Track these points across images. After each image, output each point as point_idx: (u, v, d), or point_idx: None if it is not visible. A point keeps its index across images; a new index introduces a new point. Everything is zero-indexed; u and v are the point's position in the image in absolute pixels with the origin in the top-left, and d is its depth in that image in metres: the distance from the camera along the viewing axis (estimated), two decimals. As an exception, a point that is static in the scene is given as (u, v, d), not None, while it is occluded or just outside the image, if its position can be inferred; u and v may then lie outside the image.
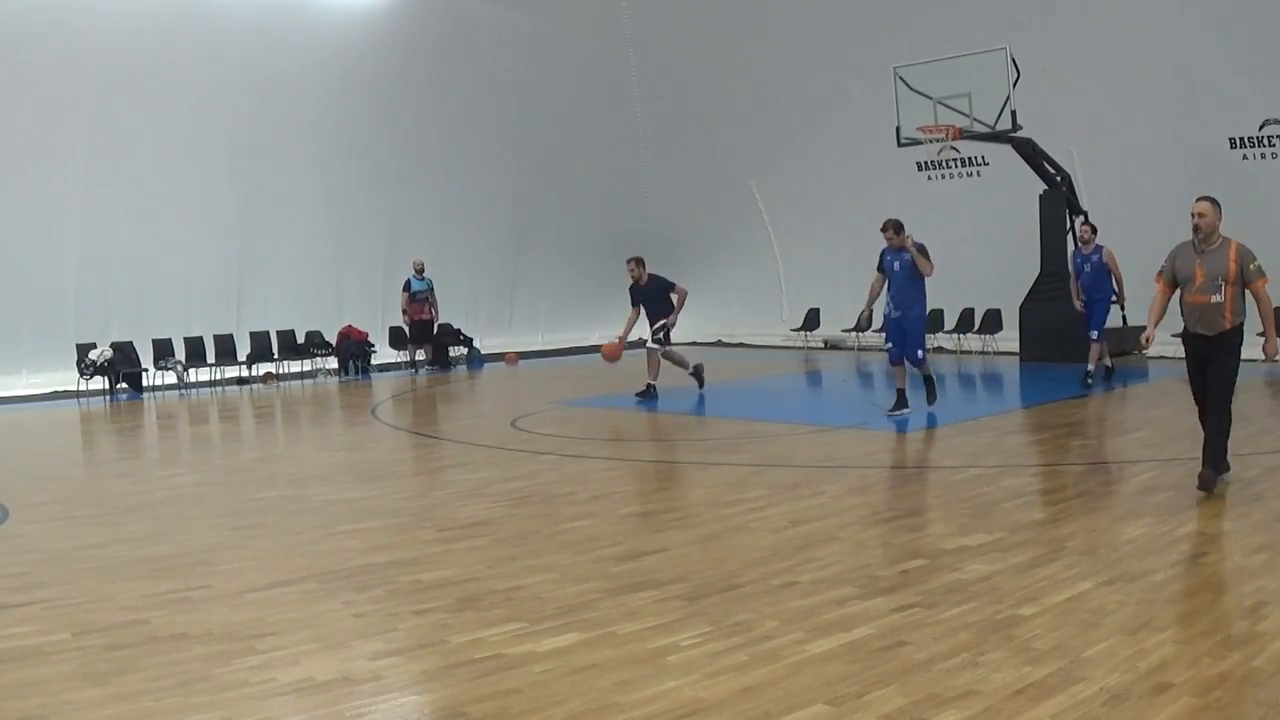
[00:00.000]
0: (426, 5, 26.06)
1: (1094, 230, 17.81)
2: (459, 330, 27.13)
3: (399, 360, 26.15)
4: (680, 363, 17.90)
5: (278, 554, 8.52)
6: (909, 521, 8.77)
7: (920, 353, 14.90)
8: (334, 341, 25.06)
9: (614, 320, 29.86)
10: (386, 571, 7.82)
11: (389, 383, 23.00)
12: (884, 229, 14.78)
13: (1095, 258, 17.59)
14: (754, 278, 29.20)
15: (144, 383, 22.42)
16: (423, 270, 25.17)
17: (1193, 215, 9.29)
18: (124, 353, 21.70)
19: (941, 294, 23.05)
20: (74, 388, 21.56)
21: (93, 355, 21.48)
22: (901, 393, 14.92)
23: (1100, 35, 21.19)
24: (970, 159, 24.08)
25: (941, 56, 20.90)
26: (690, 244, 29.03)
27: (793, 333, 27.91)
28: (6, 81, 20.83)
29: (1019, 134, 20.50)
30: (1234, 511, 8.67)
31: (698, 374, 17.93)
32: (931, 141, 21.41)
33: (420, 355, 25.76)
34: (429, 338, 25.76)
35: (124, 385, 21.89)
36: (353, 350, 24.98)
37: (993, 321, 23.97)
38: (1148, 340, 9.72)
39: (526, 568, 7.77)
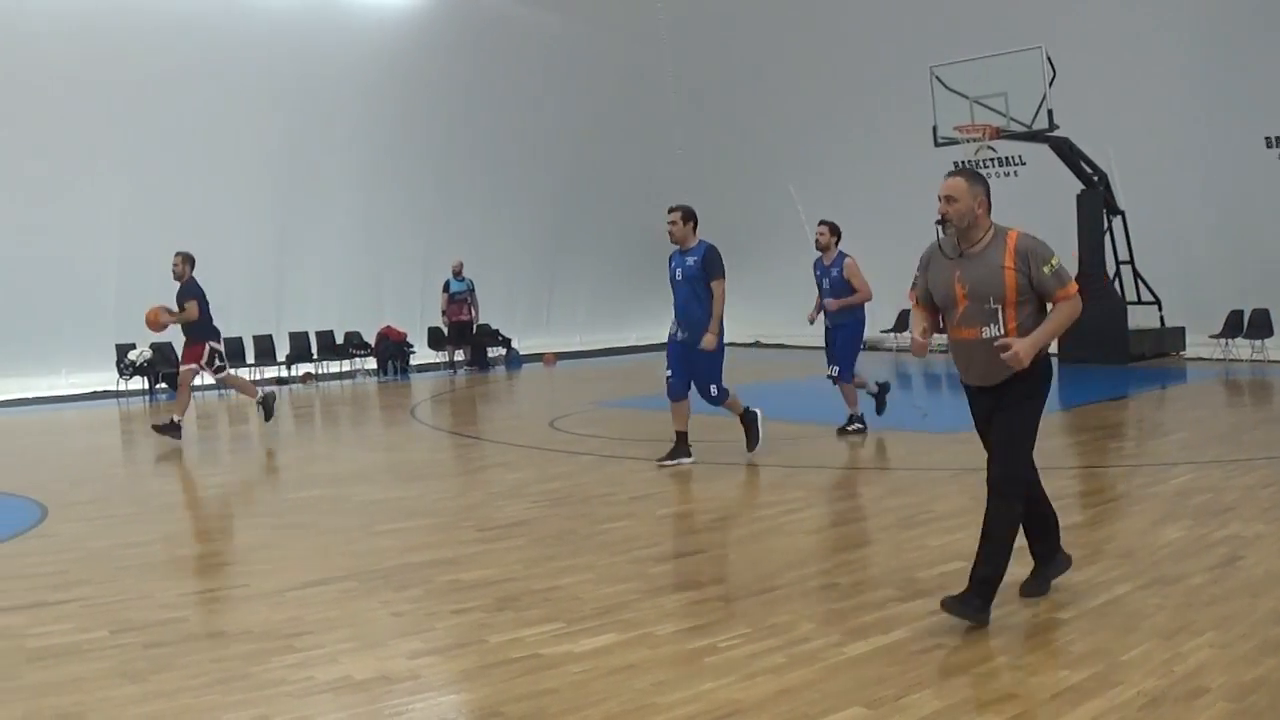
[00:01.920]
0: (464, 7, 26.15)
1: (835, 233, 13.82)
2: (497, 331, 27.14)
3: (438, 361, 26.21)
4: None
5: (316, 553, 8.54)
6: (947, 524, 8.70)
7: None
8: (373, 342, 25.12)
9: (652, 320, 29.99)
10: (425, 571, 7.83)
11: (428, 383, 23.06)
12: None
13: (835, 270, 13.56)
14: (791, 279, 29.07)
15: (182, 383, 22.38)
16: (461, 271, 25.21)
17: (939, 199, 6.33)
18: (163, 353, 21.81)
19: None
20: (114, 388, 21.70)
21: (132, 355, 21.63)
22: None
23: (1137, 33, 21.03)
24: (1007, 159, 23.90)
25: (978, 55, 20.81)
26: (727, 245, 28.90)
27: (828, 334, 27.68)
28: (51, 85, 21.02)
29: (1056, 133, 20.38)
30: (1272, 514, 8.57)
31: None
32: (968, 141, 21.28)
33: (459, 356, 25.80)
34: (468, 338, 25.79)
35: (163, 385, 22.01)
36: (391, 351, 25.04)
37: (1029, 323, 23.63)
38: (919, 350, 6.63)
39: (564, 568, 7.77)
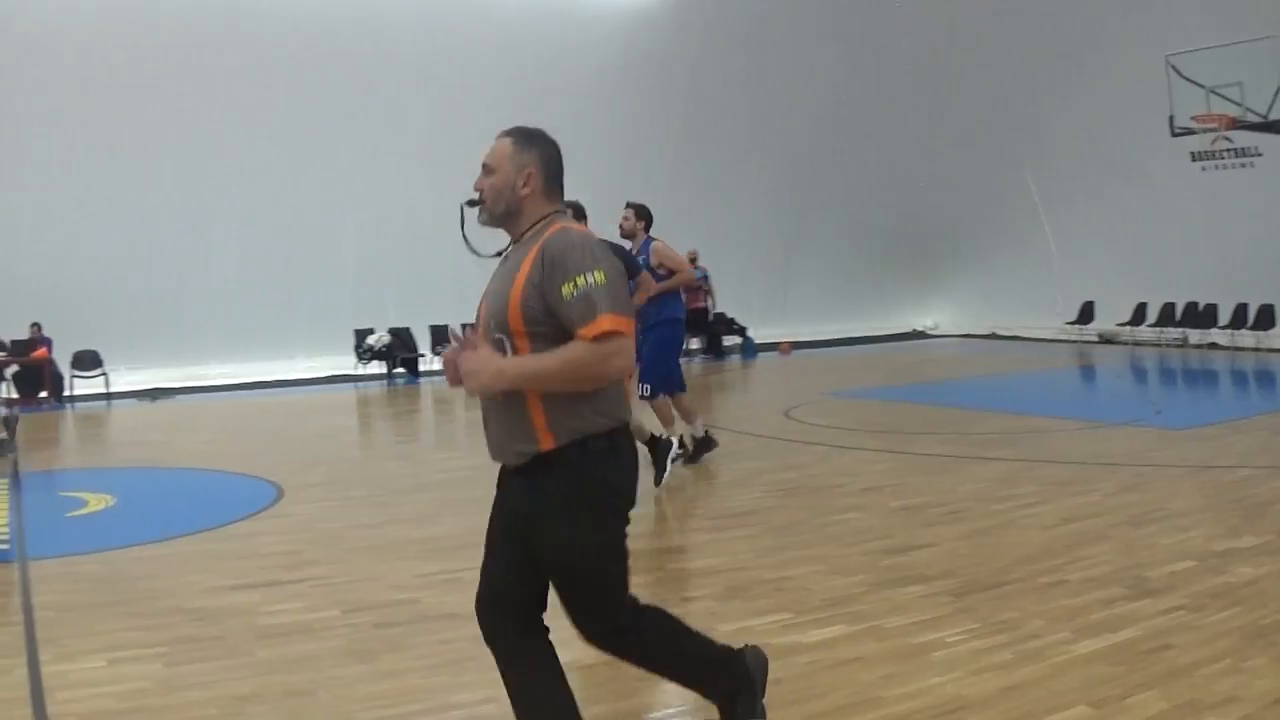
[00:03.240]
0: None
1: (640, 216, 11.56)
2: (732, 320, 27.24)
3: (675, 349, 26.34)
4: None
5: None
6: (1179, 522, 8.49)
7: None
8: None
9: (885, 310, 29.75)
10: (656, 558, 7.94)
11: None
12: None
13: (643, 258, 11.18)
14: (1026, 270, 28.52)
15: (420, 368, 23.07)
16: (696, 259, 25.33)
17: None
18: (401, 338, 22.42)
19: (1214, 289, 22.22)
20: (351, 371, 22.36)
21: (370, 340, 22.26)
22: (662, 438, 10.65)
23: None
24: (1243, 149, 23.05)
25: (1213, 44, 20.14)
26: (962, 234, 28.59)
27: (1067, 326, 27.19)
28: (293, 80, 21.89)
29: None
30: None
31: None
32: (1205, 131, 20.63)
33: (695, 344, 25.94)
34: (703, 327, 25.92)
35: (401, 370, 22.61)
36: (629, 338, 25.29)
37: (1266, 317, 22.98)
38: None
39: (794, 558, 7.79)
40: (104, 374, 20.81)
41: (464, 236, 4.33)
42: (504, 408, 4.06)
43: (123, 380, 21.07)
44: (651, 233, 11.55)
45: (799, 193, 28.82)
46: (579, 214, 9.80)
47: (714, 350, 26.05)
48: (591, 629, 4.25)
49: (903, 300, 30.45)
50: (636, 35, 25.98)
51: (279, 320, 22.31)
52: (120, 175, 21.03)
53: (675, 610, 6.51)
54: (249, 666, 5.90)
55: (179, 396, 20.63)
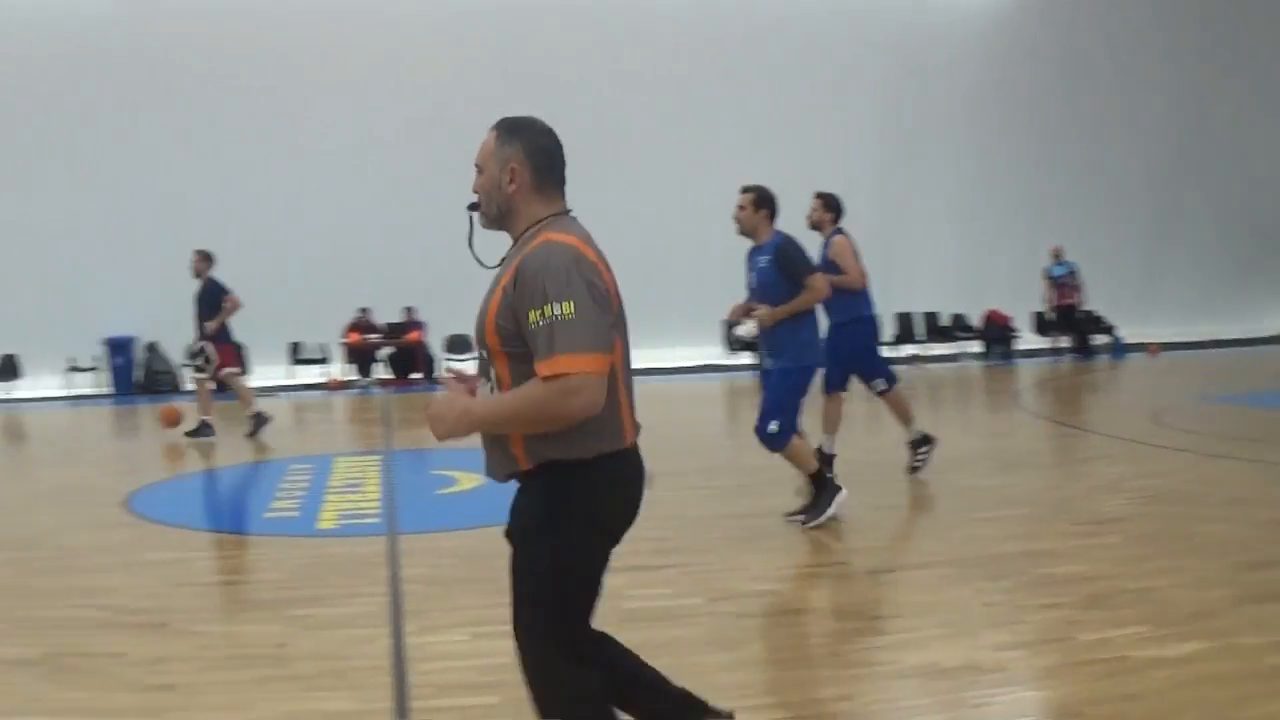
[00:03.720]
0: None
1: (829, 208, 10.74)
2: (1100, 318, 26.31)
3: (1041, 346, 25.70)
4: None
5: (914, 536, 8.64)
6: None
7: (773, 424, 8.92)
8: (979, 325, 24.98)
9: (1260, 311, 28.15)
10: (1019, 562, 7.73)
11: (1031, 369, 22.67)
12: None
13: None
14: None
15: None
16: (1062, 255, 24.55)
17: None
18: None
19: None
20: (718, 362, 22.50)
21: (740, 331, 22.33)
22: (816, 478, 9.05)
23: None
24: None
25: None
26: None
27: None
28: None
29: None
30: None
31: None
32: None
33: (1064, 342, 25.20)
34: (1072, 324, 25.15)
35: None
36: (996, 334, 24.80)
37: None
38: None
39: (1157, 569, 7.44)
40: (475, 358, 21.66)
41: (469, 244, 4.12)
42: (491, 442, 3.91)
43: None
44: (840, 225, 10.73)
45: (1168, 191, 27.63)
46: (761, 201, 9.08)
47: (1082, 349, 25.21)
48: (528, 651, 4.05)
49: (1277, 303, 28.87)
50: (1002, 27, 25.42)
51: (653, 310, 22.68)
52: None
53: (1036, 617, 6.43)
54: (613, 650, 6.03)
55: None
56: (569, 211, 3.89)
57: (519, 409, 3.64)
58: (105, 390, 22.76)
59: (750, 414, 9.38)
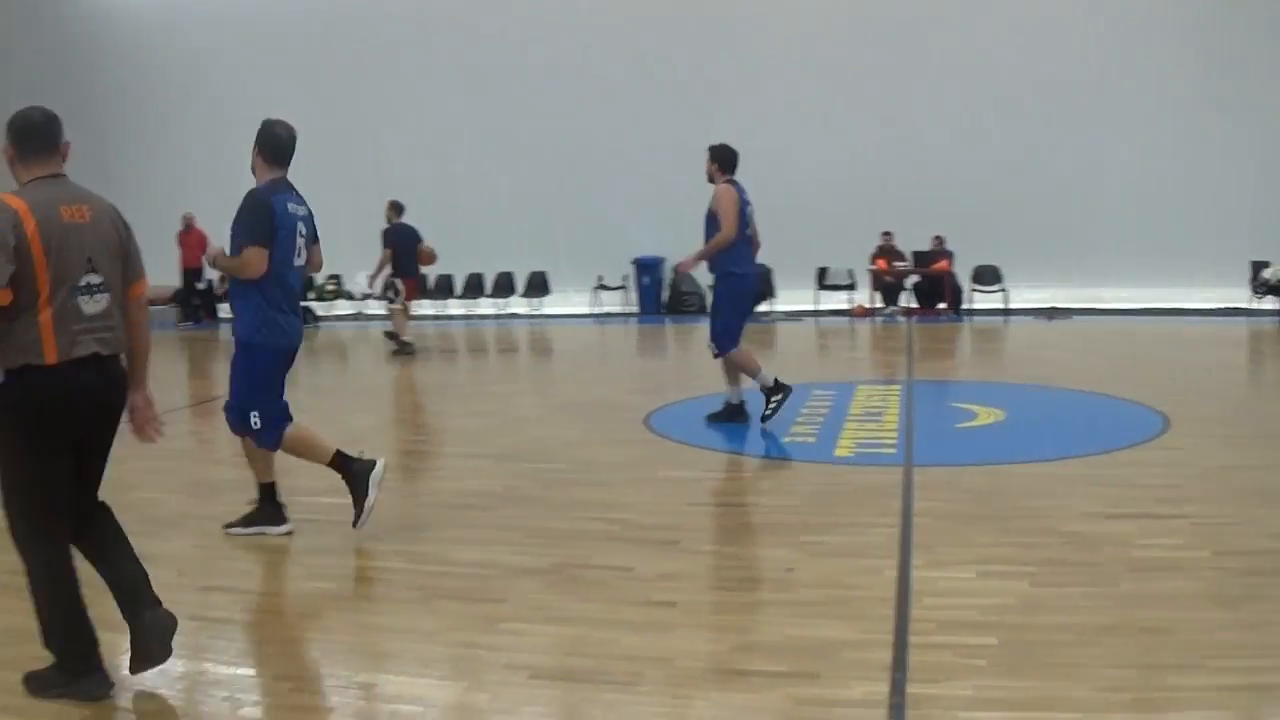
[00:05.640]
0: None
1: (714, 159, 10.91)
2: None
3: None
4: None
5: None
6: None
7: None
8: None
9: None
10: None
11: None
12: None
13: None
14: None
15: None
16: None
17: None
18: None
19: None
20: (1245, 305, 20.69)
21: (1266, 274, 20.48)
22: None
23: None
24: None
25: None
26: None
27: None
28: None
29: None
30: None
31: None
32: None
33: None
34: None
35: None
36: None
37: None
38: None
39: None
40: (1003, 290, 21.05)
41: None
42: None
43: (1021, 297, 21.16)
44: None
45: None
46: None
47: None
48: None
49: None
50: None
51: (1174, 247, 21.29)
52: (1013, 87, 21.08)
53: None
54: (1111, 598, 5.64)
55: (1076, 318, 20.35)
56: None
57: None
58: (631, 309, 23.59)
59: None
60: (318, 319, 24.02)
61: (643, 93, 22.29)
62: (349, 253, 18.87)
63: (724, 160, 10.87)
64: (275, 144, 7.12)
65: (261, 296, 6.81)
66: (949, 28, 21.49)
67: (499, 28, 23.07)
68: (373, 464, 7.07)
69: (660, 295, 23.38)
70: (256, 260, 6.67)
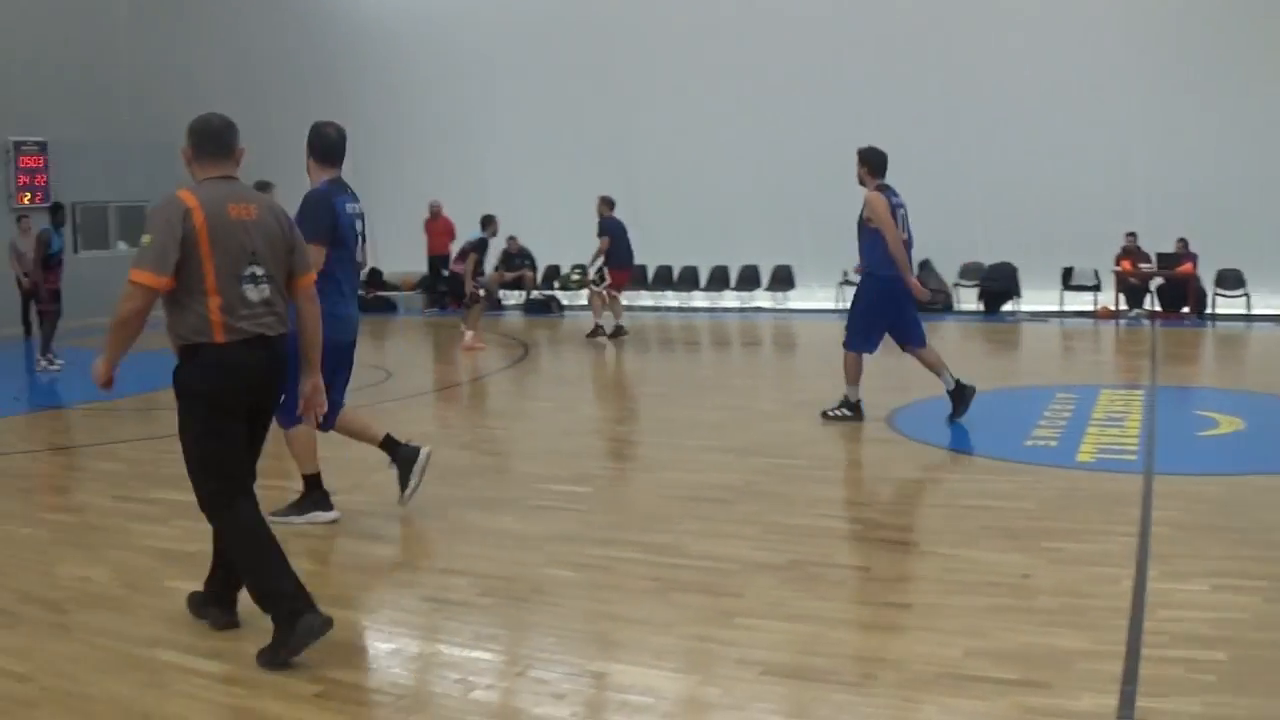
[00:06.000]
0: None
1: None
2: None
3: None
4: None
5: None
6: None
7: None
8: None
9: None
10: None
11: None
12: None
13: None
14: None
15: None
16: None
17: None
18: None
19: None
20: None
21: None
22: None
23: None
24: None
25: None
26: None
27: None
28: None
29: None
30: None
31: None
32: None
33: None
34: None
35: None
36: None
37: None
38: None
39: None
40: (1245, 294, 20.34)
41: None
42: None
43: (1264, 303, 20.41)
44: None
45: None
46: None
47: None
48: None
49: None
50: None
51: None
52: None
53: None
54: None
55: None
56: None
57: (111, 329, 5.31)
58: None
59: None
60: (563, 308, 24.65)
61: (889, 88, 22.14)
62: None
63: (874, 164, 11.01)
64: (326, 145, 7.64)
65: (323, 292, 6.83)
66: (1221, 28, 20.79)
67: (750, 26, 23.14)
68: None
69: (906, 292, 23.06)
70: (315, 257, 6.77)
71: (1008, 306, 21.62)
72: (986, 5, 21.57)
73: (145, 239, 5.20)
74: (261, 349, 5.37)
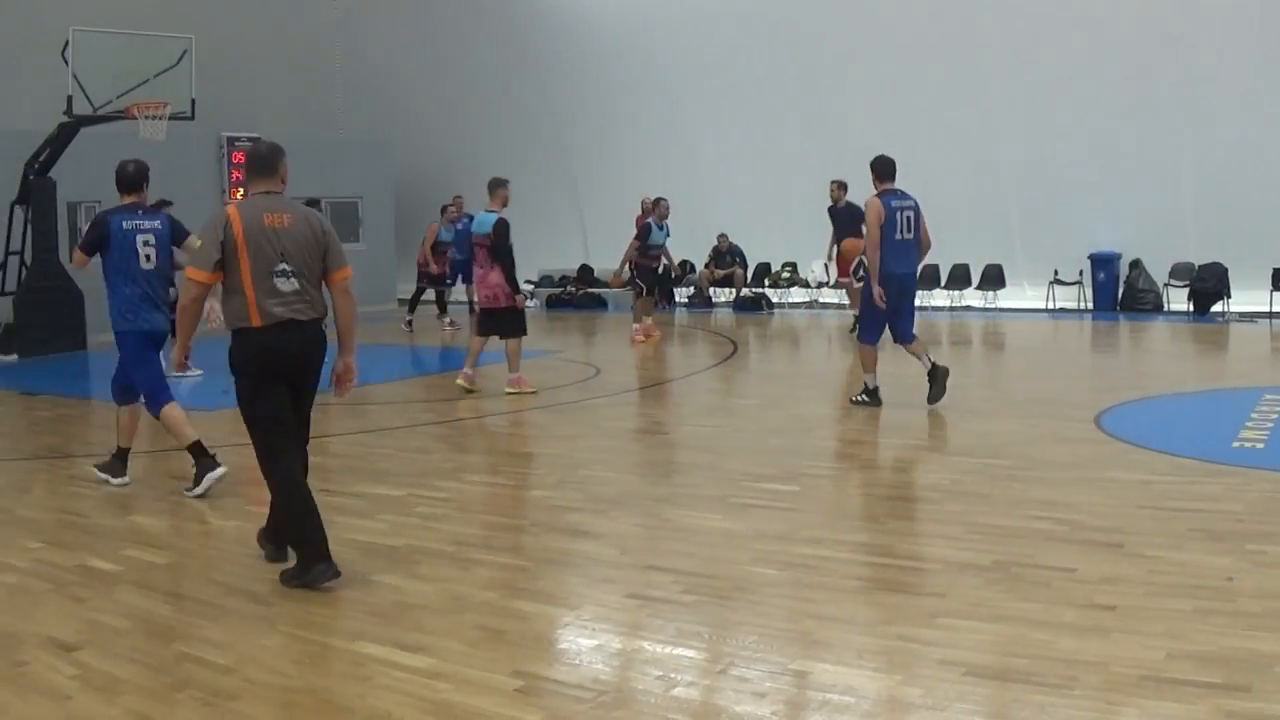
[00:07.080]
0: None
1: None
2: None
3: None
4: None
5: None
6: None
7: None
8: None
9: None
10: None
11: None
12: None
13: None
14: None
15: None
16: None
17: None
18: None
19: None
20: None
21: None
22: None
23: None
24: None
25: None
26: None
27: None
28: None
29: None
30: None
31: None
32: None
33: None
34: None
35: None
36: None
37: None
38: None
39: None
40: None
41: None
42: None
43: None
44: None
45: None
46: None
47: None
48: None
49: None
50: None
51: None
52: None
53: None
54: None
55: None
56: None
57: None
58: (1085, 305, 22.99)
59: None
60: (772, 306, 24.78)
61: (1106, 86, 21.66)
62: (804, 240, 19.37)
63: (878, 171, 11.68)
64: (123, 177, 9.07)
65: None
66: None
67: (970, 27, 22.82)
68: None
69: (1116, 292, 22.67)
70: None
71: (1217, 307, 21.03)
72: (1209, 6, 20.92)
73: (197, 243, 6.62)
74: (294, 331, 6.45)
